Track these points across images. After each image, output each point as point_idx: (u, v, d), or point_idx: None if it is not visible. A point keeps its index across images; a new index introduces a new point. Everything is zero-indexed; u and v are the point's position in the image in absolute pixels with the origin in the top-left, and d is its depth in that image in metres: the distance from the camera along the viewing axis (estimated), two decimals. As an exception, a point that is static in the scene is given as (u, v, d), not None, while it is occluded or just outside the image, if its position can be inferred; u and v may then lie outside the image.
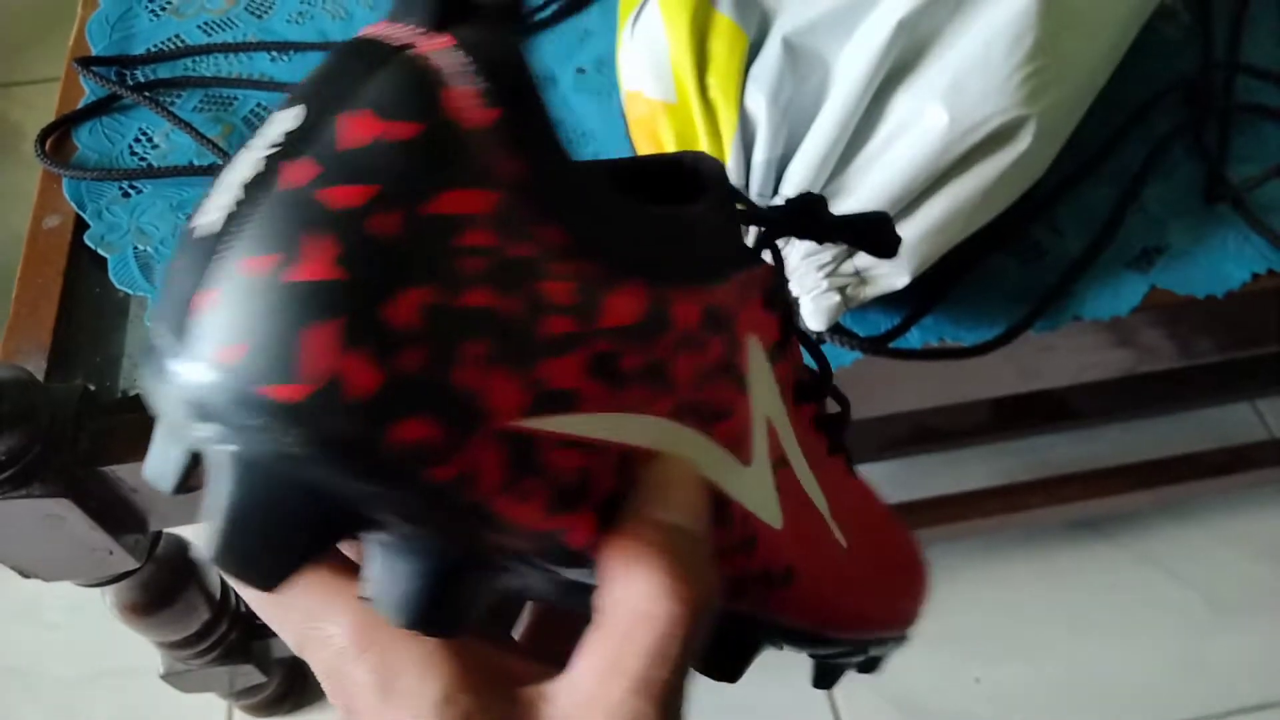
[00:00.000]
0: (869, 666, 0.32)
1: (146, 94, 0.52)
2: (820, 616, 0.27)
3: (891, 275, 0.41)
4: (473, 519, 0.18)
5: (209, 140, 0.50)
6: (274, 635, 0.69)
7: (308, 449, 0.17)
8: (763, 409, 0.24)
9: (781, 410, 0.25)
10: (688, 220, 0.21)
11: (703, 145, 0.41)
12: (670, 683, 0.20)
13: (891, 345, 0.44)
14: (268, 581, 0.18)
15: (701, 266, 0.21)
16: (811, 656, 0.30)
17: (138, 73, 0.54)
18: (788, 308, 0.25)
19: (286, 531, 0.18)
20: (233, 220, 0.17)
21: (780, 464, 0.25)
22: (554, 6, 0.57)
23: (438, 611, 0.19)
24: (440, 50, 0.17)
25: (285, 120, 0.17)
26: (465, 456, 0.17)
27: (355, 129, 0.17)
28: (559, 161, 0.19)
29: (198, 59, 0.55)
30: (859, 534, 0.28)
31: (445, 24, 0.18)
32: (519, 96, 0.18)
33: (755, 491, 0.23)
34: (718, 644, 0.25)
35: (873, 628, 0.29)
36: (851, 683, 0.83)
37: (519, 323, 0.18)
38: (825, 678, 0.31)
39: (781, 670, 0.85)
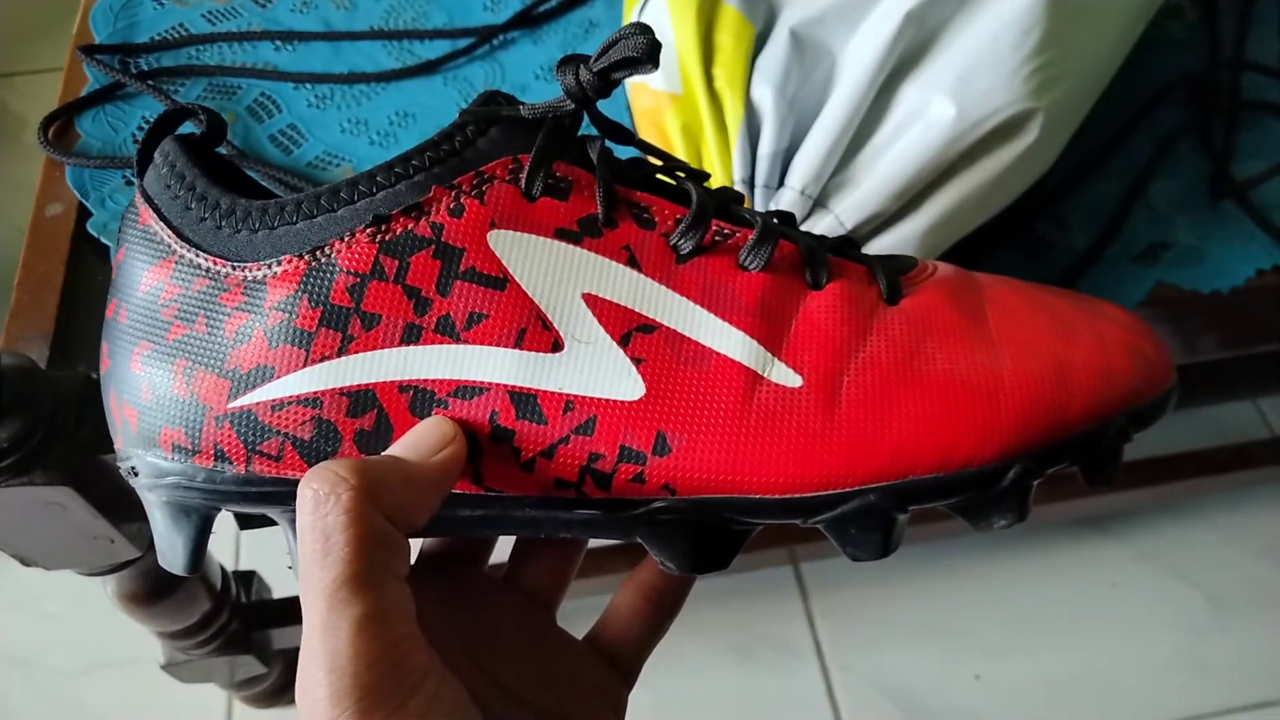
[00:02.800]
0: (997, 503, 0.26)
1: (150, 82, 0.52)
2: (750, 474, 0.25)
3: (896, 269, 0.41)
4: (263, 489, 0.25)
5: (212, 129, 0.50)
6: (273, 626, 0.69)
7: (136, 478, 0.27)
8: (564, 290, 0.25)
9: (627, 280, 0.25)
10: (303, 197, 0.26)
11: (708, 137, 0.41)
12: (328, 571, 0.21)
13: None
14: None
15: (356, 215, 0.25)
16: (833, 530, 0.26)
17: (141, 61, 0.54)
18: (606, 182, 0.26)
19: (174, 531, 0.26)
20: None
21: (640, 331, 0.25)
22: (559, -2, 0.57)
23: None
24: (137, 197, 0.27)
25: None
26: (207, 442, 0.25)
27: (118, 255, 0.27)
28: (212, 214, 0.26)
29: (202, 48, 0.54)
30: (843, 363, 0.25)
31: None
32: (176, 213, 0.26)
33: (584, 372, 0.24)
34: (676, 540, 0.26)
35: (885, 468, 0.25)
36: (850, 677, 0.83)
37: (204, 337, 0.25)
38: (974, 517, 0.26)
39: (782, 665, 0.85)
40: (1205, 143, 0.52)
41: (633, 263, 0.25)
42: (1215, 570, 0.90)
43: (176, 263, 0.26)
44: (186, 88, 0.53)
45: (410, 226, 0.24)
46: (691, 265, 0.26)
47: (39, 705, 0.82)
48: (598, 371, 0.24)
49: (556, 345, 0.25)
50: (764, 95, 0.40)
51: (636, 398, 0.25)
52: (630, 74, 0.24)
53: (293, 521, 0.25)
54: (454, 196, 0.25)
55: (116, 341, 0.27)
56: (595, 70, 0.24)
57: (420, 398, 0.25)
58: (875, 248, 0.40)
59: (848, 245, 0.29)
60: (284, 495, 0.25)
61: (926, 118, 0.39)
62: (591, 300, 0.25)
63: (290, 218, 0.25)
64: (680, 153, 0.42)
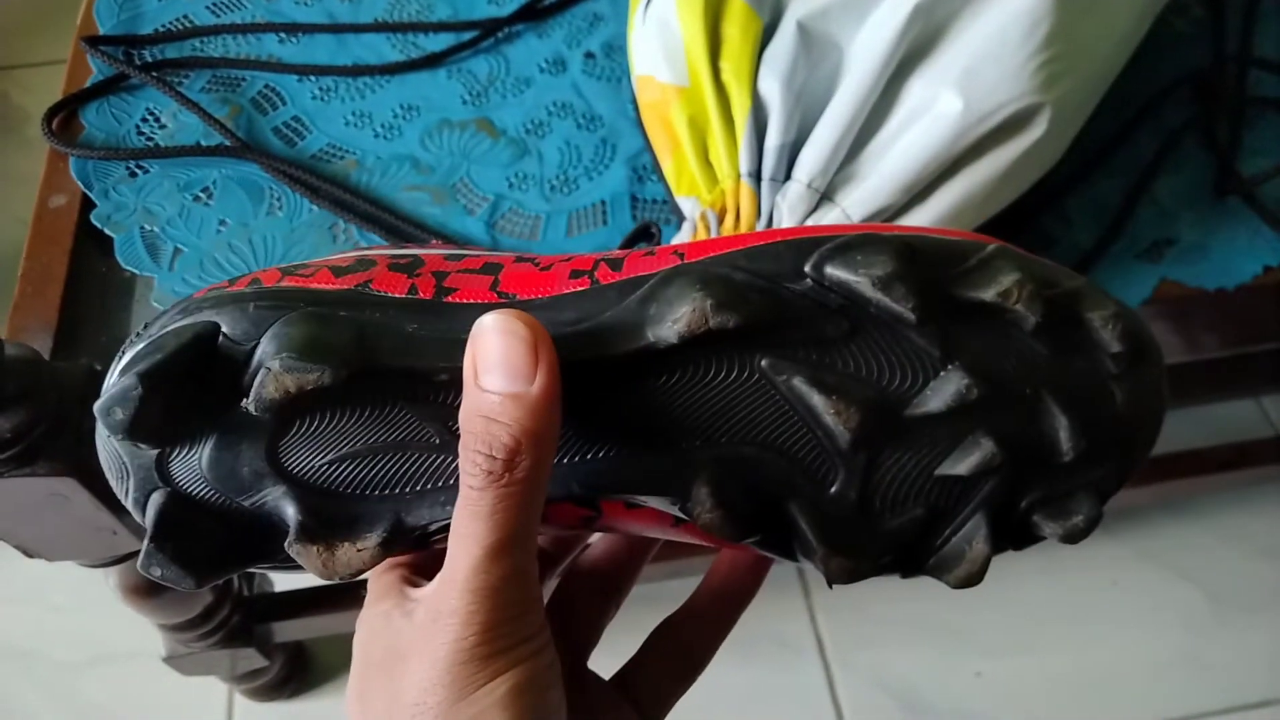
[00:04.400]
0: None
1: (154, 74, 0.51)
2: (756, 237, 0.26)
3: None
4: (280, 298, 0.26)
5: (216, 120, 0.50)
6: (275, 619, 0.69)
7: None
8: None
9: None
10: None
11: (715, 130, 0.41)
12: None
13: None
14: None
15: None
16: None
17: (145, 53, 0.54)
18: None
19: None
20: None
21: None
22: (564, -9, 0.57)
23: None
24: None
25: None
26: (248, 279, 0.26)
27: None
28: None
29: (206, 39, 0.54)
30: None
31: None
32: None
33: None
34: (687, 286, 0.25)
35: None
36: (852, 675, 0.83)
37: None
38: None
39: (783, 662, 0.85)
40: (1211, 139, 0.52)
41: None
42: (1215, 569, 0.90)
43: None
44: (190, 79, 0.53)
45: None
46: None
47: (41, 697, 0.82)
48: None
49: None
50: (771, 88, 0.40)
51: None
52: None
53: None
54: None
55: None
56: None
57: (456, 256, 0.28)
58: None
59: None
60: (293, 302, 0.25)
61: (933, 111, 0.39)
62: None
63: None
64: (687, 145, 0.42)
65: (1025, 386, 0.26)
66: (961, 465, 0.26)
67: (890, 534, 0.26)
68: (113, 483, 0.27)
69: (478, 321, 0.24)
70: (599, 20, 0.56)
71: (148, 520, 0.26)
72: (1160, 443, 0.29)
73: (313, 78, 0.53)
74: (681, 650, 0.32)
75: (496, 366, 0.23)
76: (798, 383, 0.25)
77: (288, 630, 0.71)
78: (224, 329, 0.25)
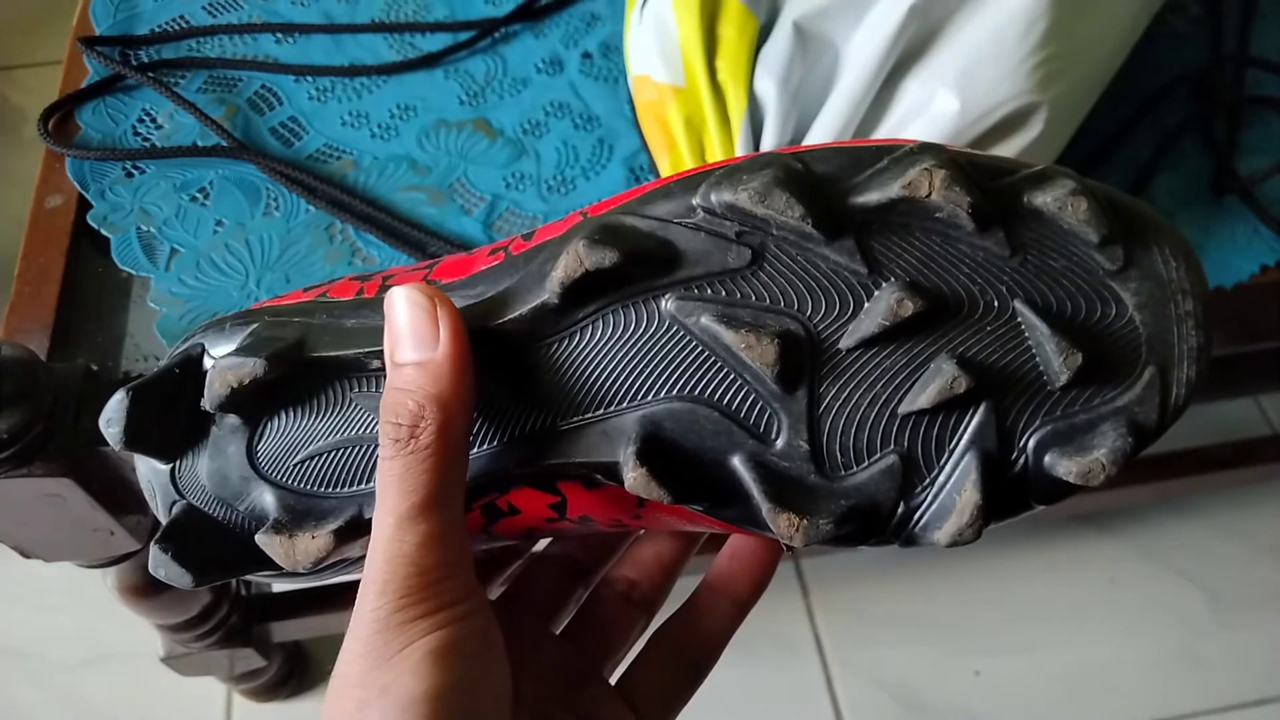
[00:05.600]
0: None
1: (150, 74, 0.51)
2: None
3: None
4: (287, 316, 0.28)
5: (213, 121, 0.50)
6: (273, 619, 0.69)
7: None
8: None
9: None
10: None
11: (711, 129, 0.41)
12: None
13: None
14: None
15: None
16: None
17: (142, 53, 0.53)
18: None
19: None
20: None
21: None
22: (561, -9, 0.56)
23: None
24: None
25: None
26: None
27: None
28: None
29: (202, 40, 0.54)
30: None
31: None
32: None
33: None
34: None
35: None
36: (850, 673, 0.83)
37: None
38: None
39: (782, 661, 0.85)
40: (1208, 138, 0.52)
41: None
42: (1215, 567, 0.90)
43: None
44: (187, 80, 0.53)
45: None
46: None
47: (39, 698, 0.82)
48: None
49: None
50: (767, 88, 0.40)
51: None
52: None
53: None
54: None
55: None
56: None
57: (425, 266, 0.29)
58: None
59: None
60: (259, 317, 0.27)
61: (930, 111, 0.39)
62: None
63: None
64: (683, 145, 0.42)
65: (988, 297, 0.23)
66: (922, 396, 0.23)
67: (857, 488, 0.23)
68: (150, 503, 0.29)
69: (385, 300, 0.25)
70: (596, 20, 0.56)
71: (163, 526, 0.28)
72: (1160, 441, 0.26)
73: (309, 78, 0.53)
74: (683, 655, 0.31)
75: (405, 338, 0.24)
76: (707, 321, 0.23)
77: (286, 630, 0.71)
78: (208, 349, 0.27)
